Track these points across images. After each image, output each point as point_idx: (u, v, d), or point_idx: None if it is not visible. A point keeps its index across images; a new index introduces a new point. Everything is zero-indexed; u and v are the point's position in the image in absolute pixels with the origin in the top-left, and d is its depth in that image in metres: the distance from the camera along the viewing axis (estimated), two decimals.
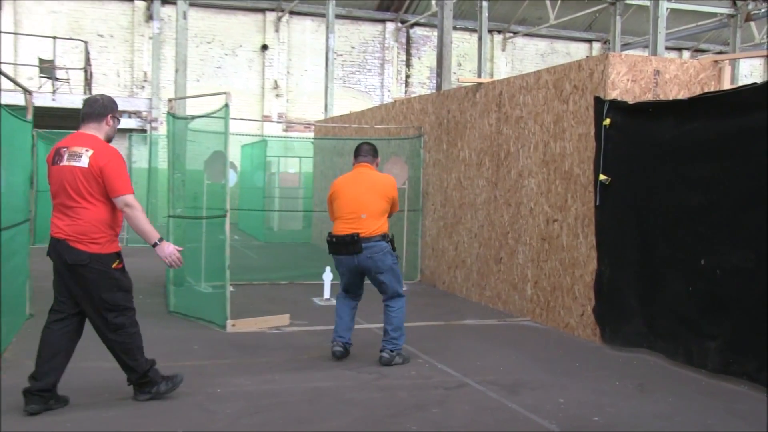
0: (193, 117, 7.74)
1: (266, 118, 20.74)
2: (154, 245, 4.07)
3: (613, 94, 6.12)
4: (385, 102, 21.52)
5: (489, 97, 8.05)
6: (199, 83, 20.24)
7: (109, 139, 4.15)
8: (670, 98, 6.13)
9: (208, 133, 7.34)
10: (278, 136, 16.84)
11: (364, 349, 5.70)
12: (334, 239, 5.27)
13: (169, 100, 7.67)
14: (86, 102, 4.17)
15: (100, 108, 4.13)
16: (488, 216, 8.02)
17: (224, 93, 6.42)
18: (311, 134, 18.59)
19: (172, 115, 7.62)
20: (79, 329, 4.14)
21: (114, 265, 4.00)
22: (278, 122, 14.29)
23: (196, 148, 7.69)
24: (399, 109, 10.60)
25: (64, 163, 4.01)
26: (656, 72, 6.23)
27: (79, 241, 3.94)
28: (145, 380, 4.21)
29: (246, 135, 11.34)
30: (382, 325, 5.57)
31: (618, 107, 6.02)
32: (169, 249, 4.08)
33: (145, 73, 19.87)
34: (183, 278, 8.01)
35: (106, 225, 3.99)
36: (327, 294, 8.02)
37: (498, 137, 7.85)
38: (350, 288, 5.49)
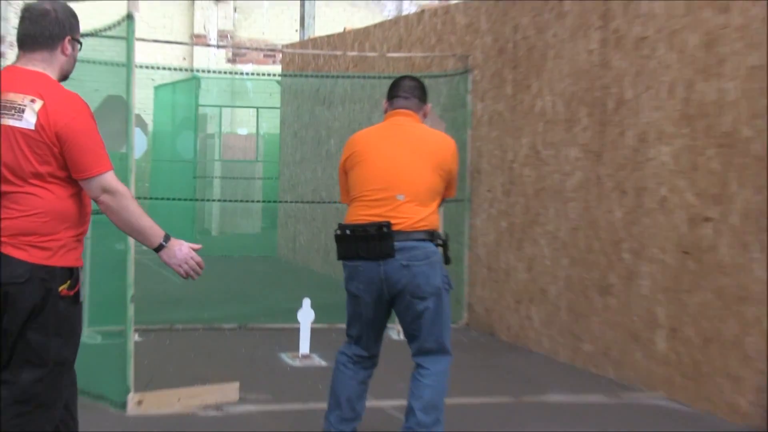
0: None
1: (199, 40, 20.66)
2: (159, 248, 4.19)
3: None
4: (404, 13, 21.36)
5: (586, 5, 8.01)
6: None
7: (64, 77, 4.30)
8: None
9: (95, 65, 7.33)
10: (219, 72, 16.70)
11: None
12: (347, 231, 5.32)
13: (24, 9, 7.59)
14: (27, 15, 4.21)
15: (52, 26, 4.18)
16: (586, 211, 8.00)
17: None
18: (277, 68, 18.46)
19: None
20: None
21: (62, 289, 4.10)
22: (219, 47, 14.13)
23: (77, 91, 7.60)
24: (429, 25, 10.61)
25: None
26: None
27: (16, 245, 4.04)
28: None
29: (164, 68, 11.21)
30: (404, 402, 5.55)
31: None
32: (184, 250, 4.22)
33: None
34: None
35: (64, 221, 4.11)
36: (305, 346, 8.07)
37: (603, 73, 7.85)
38: (364, 336, 5.48)
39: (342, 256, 5.37)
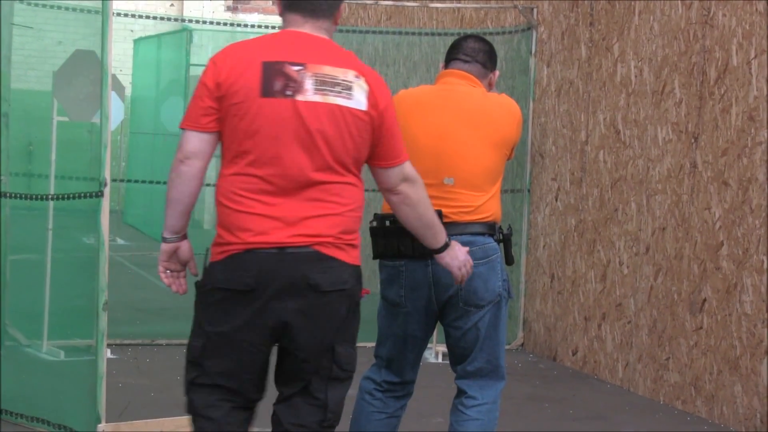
0: None
1: None
2: (444, 247, 4.83)
3: None
4: None
5: None
6: None
7: None
8: None
9: (60, 11, 7.34)
10: (217, 23, 16.80)
11: None
12: (387, 223, 5.32)
13: None
14: None
15: None
16: (676, 207, 8.02)
17: None
18: None
19: None
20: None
21: (364, 289, 4.54)
22: None
23: (34, 45, 7.68)
24: None
25: (311, 97, 4.28)
26: None
27: (339, 245, 4.39)
28: None
29: (146, 17, 11.29)
30: None
31: None
32: (464, 252, 4.92)
33: None
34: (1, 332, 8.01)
35: (361, 215, 4.54)
36: None
37: (703, 33, 7.82)
38: (398, 358, 5.48)
39: (379, 254, 5.37)
